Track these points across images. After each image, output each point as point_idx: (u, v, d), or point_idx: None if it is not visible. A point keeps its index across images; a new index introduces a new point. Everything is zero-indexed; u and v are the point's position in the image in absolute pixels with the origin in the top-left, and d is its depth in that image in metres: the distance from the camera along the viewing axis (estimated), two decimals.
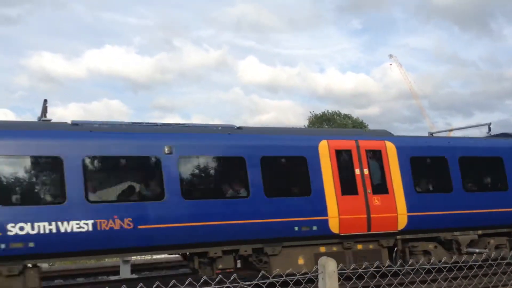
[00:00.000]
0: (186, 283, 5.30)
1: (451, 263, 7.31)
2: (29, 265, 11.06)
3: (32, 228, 10.54)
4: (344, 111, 70.32)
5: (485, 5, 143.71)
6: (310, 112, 71.47)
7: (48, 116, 12.70)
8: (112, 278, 17.50)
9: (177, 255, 18.79)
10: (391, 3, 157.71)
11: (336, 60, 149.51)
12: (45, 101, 12.91)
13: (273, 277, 5.44)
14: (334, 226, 13.28)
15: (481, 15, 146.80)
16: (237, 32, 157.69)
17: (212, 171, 12.83)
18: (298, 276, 5.53)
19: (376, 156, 14.25)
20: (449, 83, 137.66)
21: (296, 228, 12.88)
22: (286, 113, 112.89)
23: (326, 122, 67.49)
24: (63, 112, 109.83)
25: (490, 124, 16.89)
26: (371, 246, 13.99)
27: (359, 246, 13.89)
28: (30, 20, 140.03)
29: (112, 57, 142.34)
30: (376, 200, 13.82)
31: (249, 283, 5.35)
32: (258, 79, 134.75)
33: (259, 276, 5.59)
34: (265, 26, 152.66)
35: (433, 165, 15.10)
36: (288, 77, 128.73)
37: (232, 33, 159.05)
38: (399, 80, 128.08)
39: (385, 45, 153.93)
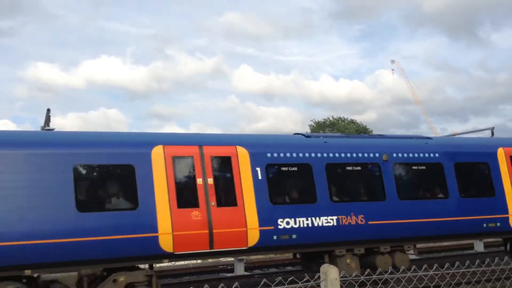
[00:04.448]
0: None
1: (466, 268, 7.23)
2: None
3: None
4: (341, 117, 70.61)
5: (473, 12, 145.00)
6: (311, 120, 71.56)
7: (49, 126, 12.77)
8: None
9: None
10: (382, 11, 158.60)
11: (334, 67, 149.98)
12: (48, 110, 12.99)
13: (275, 285, 5.42)
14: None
15: (469, 22, 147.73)
16: (230, 41, 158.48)
17: None
18: (300, 284, 5.51)
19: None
20: (444, 89, 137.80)
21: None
22: (283, 120, 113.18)
23: (330, 128, 67.60)
24: (63, 121, 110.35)
25: (493, 128, 16.74)
26: None
27: None
28: (24, 32, 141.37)
29: (108, 67, 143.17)
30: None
31: None
32: (253, 87, 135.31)
33: (261, 283, 5.58)
34: (257, 34, 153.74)
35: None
36: (283, 84, 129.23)
37: (225, 41, 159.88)
38: (395, 86, 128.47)
39: (382, 51, 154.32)
